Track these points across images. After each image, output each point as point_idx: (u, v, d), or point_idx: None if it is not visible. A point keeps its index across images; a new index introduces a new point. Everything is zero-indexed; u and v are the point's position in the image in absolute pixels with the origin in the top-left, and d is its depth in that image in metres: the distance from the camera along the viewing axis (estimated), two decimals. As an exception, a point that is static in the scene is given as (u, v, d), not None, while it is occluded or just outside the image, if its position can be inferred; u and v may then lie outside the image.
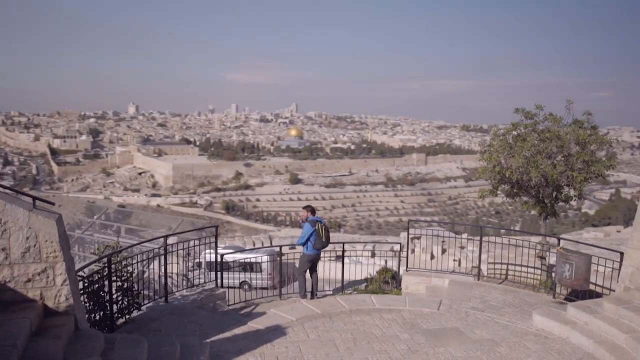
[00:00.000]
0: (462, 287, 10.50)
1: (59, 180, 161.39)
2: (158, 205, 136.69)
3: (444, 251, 27.78)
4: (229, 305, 9.57)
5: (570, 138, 11.59)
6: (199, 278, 14.30)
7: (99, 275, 7.13)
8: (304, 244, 10.19)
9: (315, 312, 8.75)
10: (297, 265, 10.64)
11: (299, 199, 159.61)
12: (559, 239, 10.75)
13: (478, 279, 11.23)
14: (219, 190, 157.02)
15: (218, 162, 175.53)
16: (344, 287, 11.28)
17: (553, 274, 12.26)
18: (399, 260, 11.43)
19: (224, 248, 34.08)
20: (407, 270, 11.28)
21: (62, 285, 5.39)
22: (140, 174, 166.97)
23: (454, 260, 20.13)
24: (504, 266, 12.09)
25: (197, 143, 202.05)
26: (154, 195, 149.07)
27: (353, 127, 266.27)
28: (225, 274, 10.05)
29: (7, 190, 5.68)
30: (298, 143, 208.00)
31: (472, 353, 7.43)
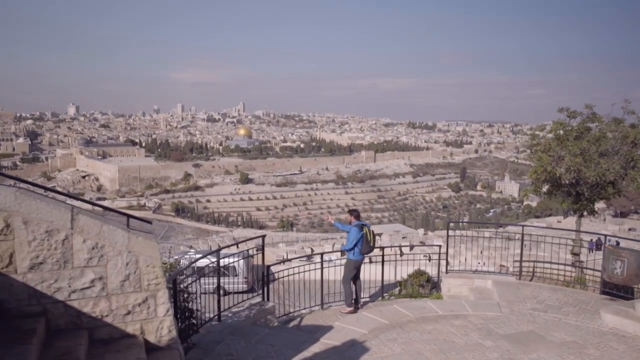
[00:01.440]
0: (509, 288, 10.11)
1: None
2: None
3: (411, 248, 27.53)
4: (277, 318, 8.82)
5: (618, 137, 11.50)
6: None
7: None
8: (351, 250, 9.54)
9: (383, 322, 8.10)
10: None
11: (250, 199, 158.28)
12: (605, 236, 10.50)
13: (519, 278, 10.87)
14: (167, 192, 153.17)
15: (166, 163, 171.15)
16: (383, 291, 10.67)
17: (585, 270, 12.14)
18: (439, 262, 10.89)
19: (197, 252, 32.70)
20: (447, 273, 10.79)
21: (164, 316, 4.52)
22: (84, 177, 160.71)
23: (424, 256, 19.89)
24: (530, 263, 11.83)
25: (143, 144, 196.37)
26: (99, 198, 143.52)
27: (301, 126, 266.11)
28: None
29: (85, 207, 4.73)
30: (247, 142, 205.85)
31: (565, 357, 7.04)
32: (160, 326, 4.49)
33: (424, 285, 10.86)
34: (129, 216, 4.65)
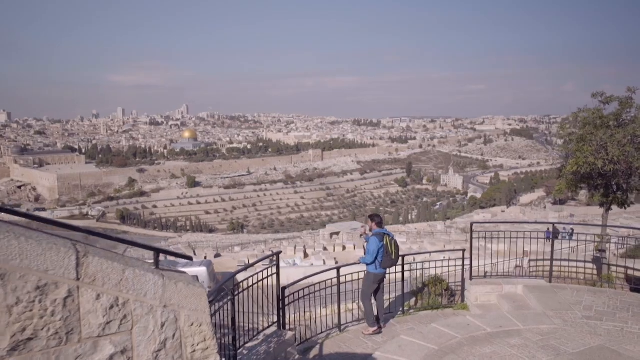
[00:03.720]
0: (545, 293, 9.05)
1: None
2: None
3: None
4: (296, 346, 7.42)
5: None
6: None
7: None
8: (371, 263, 8.18)
9: (431, 348, 6.78)
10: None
11: (198, 203, 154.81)
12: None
13: (550, 281, 9.86)
14: (111, 199, 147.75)
15: (108, 169, 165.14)
16: (403, 304, 9.38)
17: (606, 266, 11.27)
18: (463, 268, 9.68)
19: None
20: (471, 279, 9.58)
21: (215, 395, 3.05)
22: (19, 187, 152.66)
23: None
24: (545, 262, 10.82)
25: (83, 150, 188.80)
26: (37, 209, 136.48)
27: (247, 127, 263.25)
28: None
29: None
30: (193, 145, 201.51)
31: (656, 375, 6.01)
32: (208, 412, 3.02)
33: (443, 294, 9.75)
34: (158, 251, 3.10)
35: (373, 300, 8.39)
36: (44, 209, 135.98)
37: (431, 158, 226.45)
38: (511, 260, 11.51)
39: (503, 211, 79.66)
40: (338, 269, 8.53)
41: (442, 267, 9.80)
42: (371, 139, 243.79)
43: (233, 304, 5.99)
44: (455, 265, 9.78)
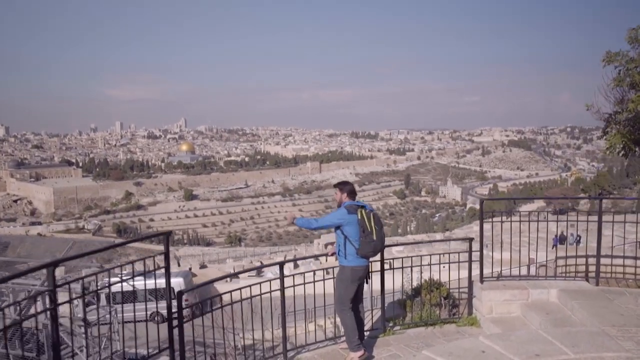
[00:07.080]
0: (593, 300, 6.57)
1: None
2: (39, 234, 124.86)
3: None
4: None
5: None
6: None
7: None
8: (345, 255, 5.67)
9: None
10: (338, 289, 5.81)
11: (195, 216, 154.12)
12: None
13: (597, 283, 7.29)
14: (108, 212, 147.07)
15: (105, 182, 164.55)
16: (385, 319, 6.88)
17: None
18: (470, 265, 7.13)
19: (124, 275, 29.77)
20: (482, 282, 7.11)
21: None
22: (15, 201, 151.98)
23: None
24: (575, 259, 8.60)
25: (80, 164, 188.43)
26: (33, 223, 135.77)
27: (245, 140, 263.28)
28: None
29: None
30: (190, 158, 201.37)
31: None
32: None
33: (442, 304, 7.52)
34: None
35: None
36: (39, 223, 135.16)
37: (429, 170, 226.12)
38: (526, 253, 9.00)
39: (502, 221, 78.81)
40: (281, 264, 5.95)
41: (439, 263, 7.22)
42: (369, 151, 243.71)
43: (55, 321, 3.62)
44: (459, 261, 7.61)
